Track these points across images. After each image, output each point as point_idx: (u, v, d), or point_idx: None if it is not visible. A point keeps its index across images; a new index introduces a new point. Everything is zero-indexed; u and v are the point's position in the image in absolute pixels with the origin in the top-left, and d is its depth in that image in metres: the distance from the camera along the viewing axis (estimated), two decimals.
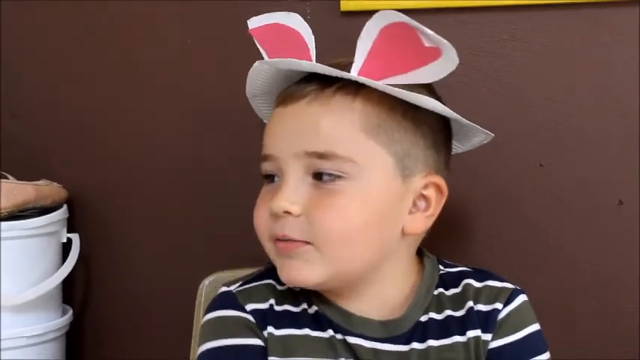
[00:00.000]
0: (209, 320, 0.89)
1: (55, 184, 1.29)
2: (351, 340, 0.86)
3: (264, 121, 0.98)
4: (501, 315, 0.88)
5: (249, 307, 0.88)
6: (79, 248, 1.28)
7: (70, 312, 1.29)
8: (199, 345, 0.88)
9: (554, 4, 1.13)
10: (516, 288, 0.91)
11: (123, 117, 1.31)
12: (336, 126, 0.83)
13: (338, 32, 1.14)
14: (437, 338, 0.87)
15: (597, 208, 1.15)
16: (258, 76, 0.90)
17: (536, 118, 1.15)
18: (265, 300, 0.89)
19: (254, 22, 0.94)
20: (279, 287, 0.90)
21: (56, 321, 1.25)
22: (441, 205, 0.89)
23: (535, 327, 0.90)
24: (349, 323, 0.87)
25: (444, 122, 0.90)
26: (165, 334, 1.28)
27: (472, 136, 0.95)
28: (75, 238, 1.29)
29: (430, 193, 0.87)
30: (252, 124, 1.22)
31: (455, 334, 0.87)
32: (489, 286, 0.90)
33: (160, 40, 1.28)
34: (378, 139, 0.83)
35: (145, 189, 1.30)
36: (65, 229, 1.28)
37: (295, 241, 0.83)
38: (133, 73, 1.30)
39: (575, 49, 1.14)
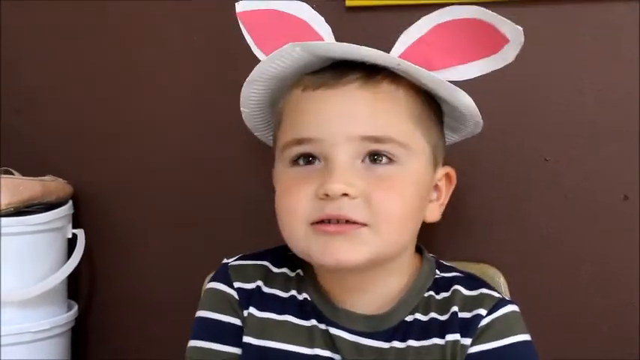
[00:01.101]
0: (206, 290, 0.95)
1: (60, 179, 1.29)
2: (334, 331, 0.88)
3: (243, 109, 0.97)
4: (484, 321, 0.86)
5: (237, 284, 0.92)
6: (85, 244, 1.28)
7: (76, 307, 1.30)
8: (198, 309, 0.94)
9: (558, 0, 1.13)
10: (504, 298, 0.90)
11: (128, 113, 1.31)
12: (389, 111, 0.85)
13: (343, 28, 1.14)
14: (417, 339, 0.87)
15: (602, 204, 1.15)
16: (277, 60, 0.87)
17: (541, 114, 1.15)
18: (253, 280, 0.91)
19: (242, 6, 0.93)
20: (274, 270, 0.92)
21: (62, 316, 1.25)
22: (450, 193, 0.92)
23: (522, 337, 0.87)
24: (336, 316, 0.88)
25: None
26: (170, 329, 1.28)
27: (457, 132, 0.99)
28: (80, 233, 1.29)
29: (442, 183, 0.91)
30: None
31: (434, 337, 0.87)
32: (476, 294, 0.89)
33: (164, 38, 1.28)
34: (421, 128, 0.87)
35: (150, 185, 1.31)
36: (70, 225, 1.29)
37: (353, 222, 0.82)
38: (136, 71, 1.30)
39: (579, 44, 1.14)
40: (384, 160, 0.84)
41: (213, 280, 0.94)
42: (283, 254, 0.93)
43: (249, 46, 0.96)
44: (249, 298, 0.90)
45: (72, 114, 1.33)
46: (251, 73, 0.91)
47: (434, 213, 0.91)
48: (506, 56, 0.87)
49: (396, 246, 0.86)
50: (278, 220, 0.88)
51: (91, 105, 1.32)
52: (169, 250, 1.31)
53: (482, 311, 0.87)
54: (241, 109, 0.97)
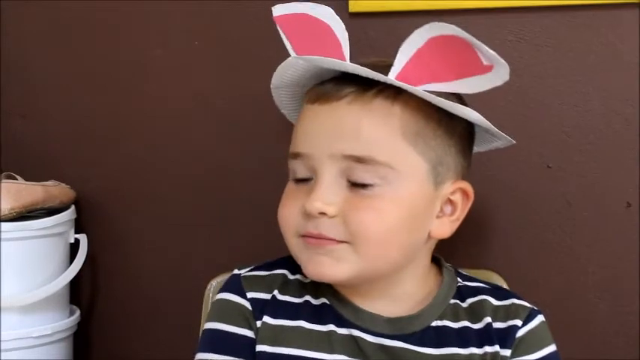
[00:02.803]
0: (215, 301, 0.93)
1: (63, 184, 1.29)
2: (357, 333, 0.87)
3: (282, 111, 0.99)
4: (520, 332, 0.88)
5: (250, 294, 0.90)
6: (87, 249, 1.28)
7: (78, 312, 1.30)
8: (205, 321, 0.92)
9: (561, 6, 1.13)
10: (534, 307, 0.90)
11: (131, 118, 1.31)
12: (377, 130, 0.83)
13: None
14: (453, 346, 0.87)
15: (605, 211, 1.14)
16: (289, 70, 0.89)
17: (544, 120, 1.15)
18: (270, 290, 0.90)
19: (279, 10, 0.92)
20: (290, 277, 0.91)
21: (64, 321, 1.25)
22: (467, 209, 0.90)
23: (553, 348, 0.90)
24: (357, 318, 0.88)
25: (470, 128, 0.91)
26: (172, 335, 1.28)
27: (492, 142, 0.96)
28: (82, 238, 1.29)
29: (457, 197, 0.88)
30: (261, 126, 1.22)
31: (472, 346, 0.87)
32: (507, 304, 0.90)
33: (168, 40, 1.28)
34: (416, 146, 0.84)
35: (153, 190, 1.31)
36: (73, 230, 1.29)
37: (330, 239, 0.83)
38: (141, 74, 1.30)
39: (582, 51, 1.14)
40: (365, 187, 0.83)
41: (223, 290, 0.92)
42: (295, 262, 0.93)
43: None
44: (264, 307, 0.89)
45: (75, 119, 1.33)
46: (272, 80, 0.93)
47: (442, 229, 0.88)
48: (501, 75, 0.82)
49: (382, 264, 0.85)
50: None
51: (94, 110, 1.32)
52: (172, 255, 1.30)
53: (518, 322, 0.88)
54: (282, 111, 0.99)
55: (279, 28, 0.92)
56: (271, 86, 0.94)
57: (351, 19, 1.18)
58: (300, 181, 0.87)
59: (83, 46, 1.32)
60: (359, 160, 0.82)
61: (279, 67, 0.89)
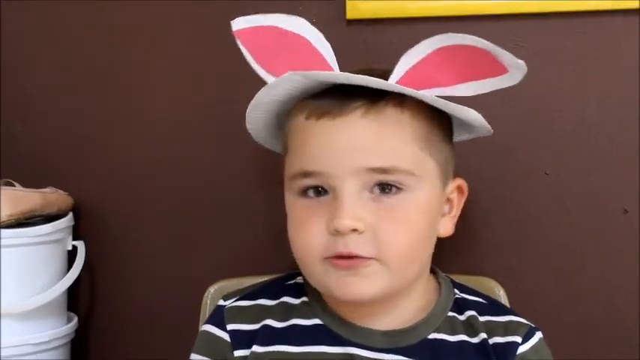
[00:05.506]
0: (199, 332, 0.93)
1: (60, 191, 1.29)
2: (352, 350, 0.86)
3: (248, 126, 0.95)
4: (521, 350, 0.87)
5: (231, 326, 0.89)
6: (85, 256, 1.28)
7: (76, 319, 1.29)
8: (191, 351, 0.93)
9: (559, 13, 1.13)
10: (532, 325, 0.90)
11: (129, 125, 1.31)
12: (394, 139, 0.82)
13: (343, 40, 1.15)
14: (450, 359, 0.86)
15: (602, 217, 1.15)
16: (284, 84, 0.85)
17: (541, 127, 1.16)
18: (257, 320, 0.89)
19: (240, 23, 0.89)
20: (270, 304, 0.90)
21: (62, 328, 1.25)
22: (462, 204, 0.91)
23: None
24: (354, 335, 0.87)
25: (450, 124, 0.91)
26: (170, 342, 1.28)
27: (461, 135, 0.96)
28: (80, 245, 1.29)
29: (453, 195, 0.89)
30: None
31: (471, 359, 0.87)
32: (505, 320, 0.89)
33: (168, 47, 1.28)
34: (427, 149, 0.84)
35: (151, 197, 1.30)
36: (71, 237, 1.28)
37: (361, 257, 0.81)
38: (139, 81, 1.30)
39: (579, 58, 1.14)
40: (393, 190, 0.82)
41: (206, 322, 0.92)
42: (281, 284, 0.93)
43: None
44: (251, 336, 0.88)
45: (73, 126, 1.33)
46: (255, 98, 0.89)
47: (447, 227, 0.89)
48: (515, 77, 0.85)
49: (409, 276, 0.85)
50: (292, 250, 0.87)
51: (92, 116, 1.32)
52: (169, 262, 1.30)
53: (518, 338, 0.87)
54: (248, 127, 0.95)
55: (239, 44, 0.88)
56: (253, 102, 0.90)
57: (349, 25, 1.18)
58: (314, 198, 0.84)
59: (82, 53, 1.32)
60: (384, 170, 0.81)
61: (271, 84, 0.85)
